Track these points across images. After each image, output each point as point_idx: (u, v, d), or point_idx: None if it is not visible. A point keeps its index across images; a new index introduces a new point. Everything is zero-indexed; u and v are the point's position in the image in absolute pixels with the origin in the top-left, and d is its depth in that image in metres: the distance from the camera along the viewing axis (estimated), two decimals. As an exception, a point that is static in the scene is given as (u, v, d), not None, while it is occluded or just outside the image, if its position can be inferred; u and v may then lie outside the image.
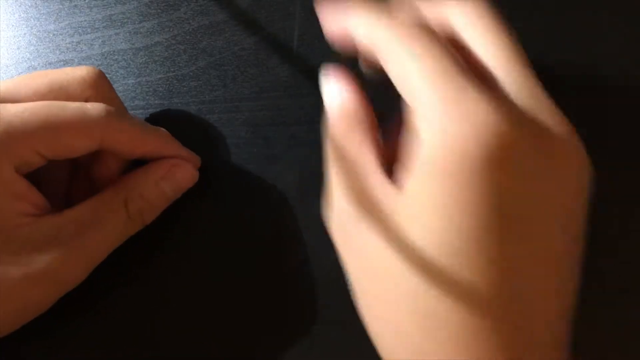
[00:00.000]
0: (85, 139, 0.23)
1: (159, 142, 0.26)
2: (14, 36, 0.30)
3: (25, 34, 0.30)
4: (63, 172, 0.26)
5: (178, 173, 0.26)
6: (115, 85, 0.29)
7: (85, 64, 0.30)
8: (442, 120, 0.17)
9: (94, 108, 0.23)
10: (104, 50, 0.30)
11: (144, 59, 0.30)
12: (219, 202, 0.27)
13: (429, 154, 0.17)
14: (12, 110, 0.21)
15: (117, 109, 0.24)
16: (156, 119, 0.29)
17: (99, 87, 0.25)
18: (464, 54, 0.20)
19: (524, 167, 0.17)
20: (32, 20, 0.30)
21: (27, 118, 0.21)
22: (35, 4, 0.31)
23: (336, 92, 0.23)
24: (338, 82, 0.23)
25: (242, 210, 0.28)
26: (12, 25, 0.30)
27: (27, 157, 0.22)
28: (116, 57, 0.30)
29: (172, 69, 0.30)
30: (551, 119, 0.18)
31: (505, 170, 0.17)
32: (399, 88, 0.19)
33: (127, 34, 0.30)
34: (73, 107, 0.22)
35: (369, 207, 0.19)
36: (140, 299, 0.27)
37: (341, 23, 0.22)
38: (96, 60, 0.30)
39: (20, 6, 0.31)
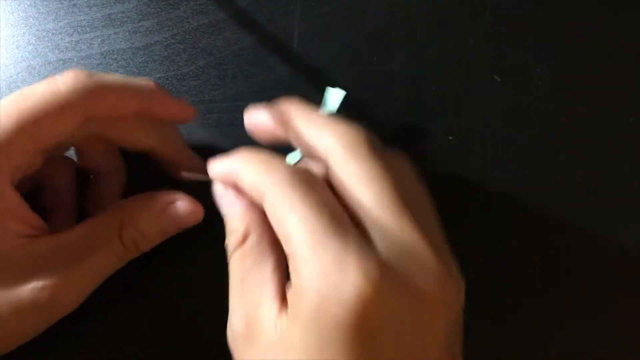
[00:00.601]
0: (68, 116, 0.21)
1: (149, 99, 0.24)
2: (13, 35, 0.30)
3: (24, 33, 0.30)
4: (69, 195, 0.26)
5: (180, 209, 0.24)
6: (114, 85, 0.29)
7: (85, 63, 0.29)
8: (313, 278, 0.18)
9: (64, 79, 0.21)
10: (103, 50, 0.30)
11: (143, 58, 0.30)
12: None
13: (303, 302, 0.18)
14: None
15: (91, 72, 0.22)
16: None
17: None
18: (341, 193, 0.20)
19: (387, 322, 0.18)
20: (31, 20, 0.30)
21: (1, 122, 0.20)
22: (34, 3, 0.30)
23: (236, 211, 0.22)
24: (235, 198, 0.22)
25: (242, 209, 0.28)
26: (11, 24, 0.30)
27: (18, 161, 0.21)
28: (115, 56, 0.30)
29: (171, 68, 0.29)
30: (418, 262, 0.19)
31: (369, 328, 0.17)
32: (278, 232, 0.20)
33: (127, 33, 0.30)
34: (41, 91, 0.21)
35: (257, 334, 0.19)
36: (141, 303, 0.27)
37: (227, 169, 0.22)
38: (95, 59, 0.30)
39: (19, 5, 0.30)
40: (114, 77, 0.23)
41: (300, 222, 0.19)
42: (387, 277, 0.18)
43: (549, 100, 0.29)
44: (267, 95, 0.29)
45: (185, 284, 0.27)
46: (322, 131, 0.21)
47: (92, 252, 0.23)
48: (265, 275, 0.20)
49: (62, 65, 0.30)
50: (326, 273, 0.18)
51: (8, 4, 0.31)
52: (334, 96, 0.27)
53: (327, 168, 0.21)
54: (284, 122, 0.22)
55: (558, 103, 0.29)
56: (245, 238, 0.21)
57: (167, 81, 0.29)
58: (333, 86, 0.28)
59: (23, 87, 0.22)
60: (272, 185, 0.20)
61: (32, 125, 0.21)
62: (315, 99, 0.29)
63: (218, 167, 0.23)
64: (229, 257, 0.22)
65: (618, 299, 0.27)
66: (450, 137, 0.28)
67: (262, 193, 0.20)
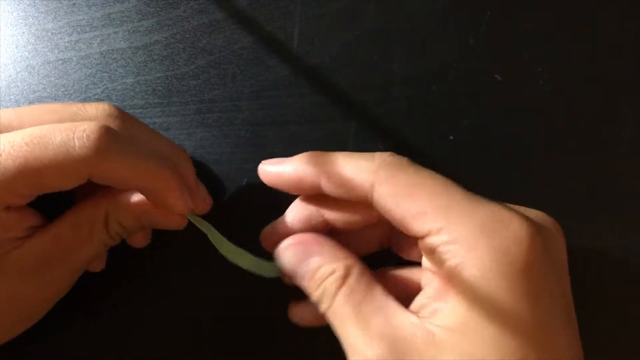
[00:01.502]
0: (70, 177, 0.21)
1: (158, 182, 0.22)
2: (12, 35, 0.30)
3: (23, 32, 0.30)
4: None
5: (163, 216, 0.23)
6: (114, 85, 0.29)
7: (84, 63, 0.29)
8: (480, 235, 0.19)
9: (81, 144, 0.20)
10: (102, 49, 0.30)
11: (143, 58, 0.29)
12: (218, 201, 0.27)
13: (472, 267, 0.18)
14: None
15: (116, 138, 0.21)
16: (155, 119, 0.29)
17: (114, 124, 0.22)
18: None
19: (548, 260, 0.19)
20: (31, 19, 0.30)
21: (4, 163, 0.19)
22: (34, 2, 0.30)
23: (326, 257, 0.22)
24: (315, 244, 0.22)
25: (242, 209, 0.28)
26: (11, 24, 0.30)
27: (9, 200, 0.21)
28: (115, 55, 0.30)
29: (171, 68, 0.29)
30: (533, 214, 0.21)
31: (541, 267, 0.19)
32: (406, 214, 0.20)
33: (126, 32, 0.30)
34: (56, 144, 0.20)
35: (407, 348, 0.19)
36: (135, 302, 0.27)
37: (296, 171, 0.22)
38: (95, 59, 0.29)
39: (18, 4, 0.30)
40: (137, 152, 0.21)
41: (435, 192, 0.19)
42: (534, 224, 0.19)
43: (550, 99, 0.29)
44: (267, 95, 0.29)
45: (183, 285, 0.27)
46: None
47: (81, 244, 0.23)
48: (383, 298, 0.20)
49: (62, 64, 0.29)
50: (493, 229, 0.19)
51: (7, 3, 0.30)
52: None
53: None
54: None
55: (559, 103, 0.29)
56: (347, 275, 0.21)
57: (167, 81, 0.29)
58: (332, 88, 0.28)
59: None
60: (379, 170, 0.20)
61: (34, 175, 0.20)
62: (315, 98, 0.29)
63: (280, 170, 0.23)
64: (328, 304, 0.20)
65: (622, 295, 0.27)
66: (451, 137, 0.28)
67: (371, 182, 0.20)
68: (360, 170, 0.21)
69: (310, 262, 0.21)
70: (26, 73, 0.29)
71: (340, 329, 0.20)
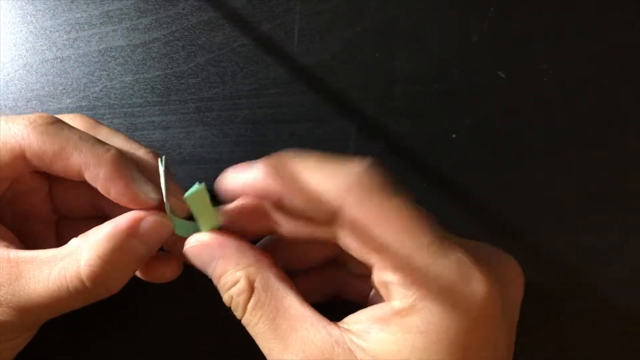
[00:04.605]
0: (6, 157, 0.21)
1: (99, 166, 0.21)
2: (10, 33, 0.30)
3: (21, 30, 0.30)
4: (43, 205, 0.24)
5: (147, 226, 0.21)
6: (112, 83, 0.29)
7: (82, 61, 0.29)
8: (436, 288, 0.18)
9: (17, 121, 0.21)
10: (101, 47, 0.29)
11: (141, 56, 0.29)
12: (217, 201, 0.27)
13: (422, 313, 0.18)
14: None
15: (53, 119, 0.21)
16: (153, 117, 0.29)
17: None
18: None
19: (496, 321, 0.19)
20: (29, 17, 0.30)
21: None
22: (32, 0, 0.30)
23: (226, 262, 0.20)
24: (217, 247, 0.20)
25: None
26: (9, 22, 0.30)
27: None
28: (113, 54, 0.29)
29: (170, 66, 0.29)
30: (494, 259, 0.20)
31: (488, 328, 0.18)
32: (366, 245, 0.19)
33: (125, 30, 0.29)
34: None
35: None
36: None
37: (257, 181, 0.20)
38: (93, 57, 0.29)
39: (16, 2, 0.30)
40: (84, 134, 0.21)
41: (403, 229, 0.18)
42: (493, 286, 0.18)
43: (554, 97, 0.28)
44: (267, 93, 0.29)
45: (181, 285, 0.27)
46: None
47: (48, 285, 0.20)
48: (299, 311, 0.19)
49: (60, 63, 0.29)
50: (452, 282, 0.18)
51: (6, 1, 0.30)
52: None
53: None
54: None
55: (564, 100, 0.28)
56: (252, 284, 0.19)
57: (166, 79, 0.29)
58: (333, 85, 0.27)
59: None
60: (348, 195, 0.18)
61: None
62: (315, 96, 0.29)
63: (240, 180, 0.20)
64: (243, 317, 0.20)
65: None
66: (454, 135, 0.28)
67: (337, 205, 0.18)
68: (327, 190, 0.19)
69: (213, 265, 0.20)
70: (24, 71, 0.29)
71: (261, 343, 0.19)
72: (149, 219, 0.21)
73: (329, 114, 0.28)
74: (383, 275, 0.19)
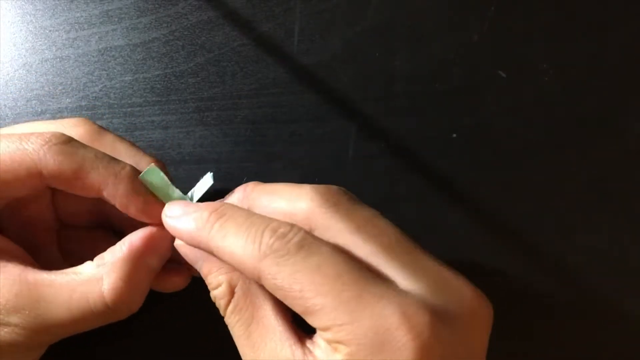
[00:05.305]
0: (22, 176, 0.21)
1: (112, 183, 0.21)
2: (10, 32, 0.30)
3: (21, 30, 0.30)
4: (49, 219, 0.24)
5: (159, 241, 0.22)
6: (112, 82, 0.29)
7: (82, 61, 0.29)
8: (356, 336, 0.17)
9: (32, 139, 0.21)
10: (100, 47, 0.29)
11: (141, 55, 0.29)
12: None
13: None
14: None
15: (66, 138, 0.21)
16: (153, 117, 0.29)
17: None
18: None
19: (442, 350, 0.18)
20: (28, 16, 0.30)
21: None
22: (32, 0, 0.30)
23: (211, 264, 0.21)
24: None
25: (242, 209, 0.28)
26: (8, 22, 0.30)
27: None
28: (113, 53, 0.29)
29: (170, 65, 0.29)
30: (451, 291, 0.19)
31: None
32: (291, 297, 0.18)
33: (124, 29, 0.29)
34: (6, 142, 0.21)
35: None
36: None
37: (193, 233, 0.20)
38: (93, 56, 0.29)
39: (16, 2, 0.30)
40: (90, 153, 0.21)
41: (321, 291, 0.17)
42: (434, 319, 0.17)
43: (555, 96, 0.28)
44: (267, 92, 0.29)
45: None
46: (296, 196, 0.20)
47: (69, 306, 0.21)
48: (271, 322, 0.19)
49: (59, 62, 0.29)
50: (373, 340, 0.17)
51: (5, 1, 0.30)
52: (204, 183, 0.23)
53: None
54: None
55: (564, 100, 0.28)
56: (233, 289, 0.20)
57: (166, 78, 0.29)
58: (333, 85, 0.27)
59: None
60: (263, 260, 0.18)
61: None
62: (315, 96, 0.29)
63: (181, 229, 0.21)
64: (225, 318, 0.20)
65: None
66: (454, 135, 0.28)
67: (255, 272, 0.18)
68: (245, 258, 0.19)
69: (199, 265, 0.21)
70: (24, 71, 0.29)
71: (237, 344, 0.20)
72: (160, 234, 0.22)
73: (329, 114, 0.28)
74: (322, 334, 0.18)
